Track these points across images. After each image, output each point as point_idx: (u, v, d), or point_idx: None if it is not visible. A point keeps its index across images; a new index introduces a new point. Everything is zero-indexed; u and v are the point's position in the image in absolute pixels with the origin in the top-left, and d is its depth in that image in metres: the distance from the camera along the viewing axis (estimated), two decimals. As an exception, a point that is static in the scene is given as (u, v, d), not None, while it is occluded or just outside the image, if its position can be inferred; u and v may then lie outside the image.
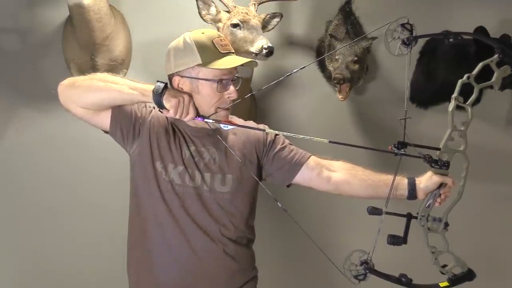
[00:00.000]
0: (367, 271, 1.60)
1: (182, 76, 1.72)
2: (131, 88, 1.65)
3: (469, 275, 1.64)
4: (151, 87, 1.62)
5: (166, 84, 1.62)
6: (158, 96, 1.60)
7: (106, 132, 1.78)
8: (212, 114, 1.71)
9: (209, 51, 1.69)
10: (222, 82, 1.70)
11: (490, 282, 2.58)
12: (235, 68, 1.73)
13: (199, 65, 1.68)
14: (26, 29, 2.73)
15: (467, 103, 1.61)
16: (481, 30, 2.41)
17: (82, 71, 2.54)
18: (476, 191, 2.58)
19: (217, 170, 1.78)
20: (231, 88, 1.72)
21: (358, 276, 1.62)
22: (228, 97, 1.72)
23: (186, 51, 1.70)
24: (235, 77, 1.75)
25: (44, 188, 2.82)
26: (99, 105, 1.70)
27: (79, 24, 2.40)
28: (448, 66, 2.77)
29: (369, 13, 2.82)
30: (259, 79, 2.65)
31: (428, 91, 2.89)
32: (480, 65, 1.59)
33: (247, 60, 1.73)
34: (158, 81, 1.62)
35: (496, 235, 3.03)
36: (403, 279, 1.63)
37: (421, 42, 2.90)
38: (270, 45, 2.31)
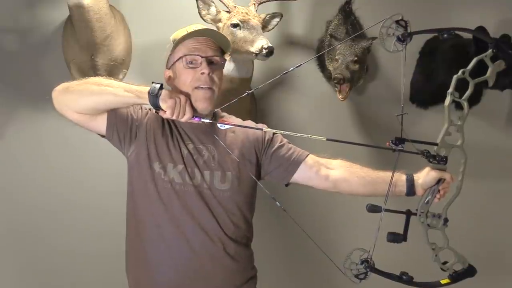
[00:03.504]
0: (368, 270, 1.60)
1: (168, 68, 1.81)
2: (126, 90, 1.65)
3: (470, 271, 1.63)
4: (147, 88, 1.62)
5: (161, 85, 1.62)
6: (154, 97, 1.60)
7: (102, 136, 1.78)
8: (207, 115, 1.74)
9: (181, 37, 1.76)
10: (190, 57, 1.74)
11: (491, 278, 2.57)
12: (207, 47, 1.76)
13: (172, 50, 1.77)
14: (26, 29, 2.73)
15: (463, 98, 1.61)
16: (480, 30, 2.41)
17: (82, 71, 2.54)
18: (477, 189, 2.58)
19: (216, 167, 1.78)
20: (203, 64, 1.74)
21: (359, 275, 1.61)
22: (201, 74, 1.73)
23: (168, 47, 1.80)
24: (209, 56, 1.76)
25: (44, 188, 2.81)
26: (94, 109, 1.70)
27: (79, 24, 2.40)
28: (448, 66, 2.77)
29: (369, 13, 2.83)
30: (259, 80, 2.65)
31: (428, 91, 2.90)
32: (474, 60, 1.59)
33: (202, 27, 1.80)
34: (153, 82, 1.62)
35: (497, 231, 3.03)
36: (404, 277, 1.62)
37: (421, 42, 2.92)
38: (270, 45, 2.31)
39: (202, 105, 1.73)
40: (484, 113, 2.88)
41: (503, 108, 3.01)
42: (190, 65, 1.74)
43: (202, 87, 1.73)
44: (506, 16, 2.92)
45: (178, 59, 1.76)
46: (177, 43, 1.76)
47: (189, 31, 1.77)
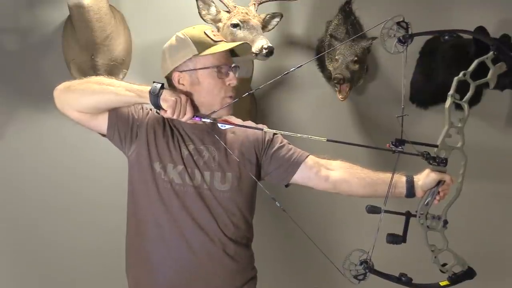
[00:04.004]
0: (367, 271, 1.60)
1: (181, 71, 1.74)
2: (127, 89, 1.65)
3: (469, 273, 1.63)
4: (148, 88, 1.62)
5: (162, 84, 1.62)
6: (155, 97, 1.60)
7: (103, 135, 1.78)
8: (212, 113, 1.72)
9: (203, 41, 1.72)
10: (220, 68, 1.72)
11: (490, 281, 2.57)
12: (230, 55, 1.77)
13: (195, 55, 1.70)
14: (26, 29, 2.73)
15: (464, 100, 1.61)
16: (480, 30, 2.41)
17: (82, 71, 2.54)
18: (476, 190, 2.57)
19: (216, 168, 1.77)
20: (231, 74, 1.74)
21: (358, 276, 1.61)
22: (229, 84, 1.74)
23: (180, 46, 1.73)
24: (233, 66, 1.77)
25: (44, 188, 2.81)
26: (95, 108, 1.70)
27: (79, 24, 2.40)
28: (448, 66, 2.77)
29: (369, 13, 2.83)
30: (259, 80, 2.65)
31: (428, 91, 2.90)
32: (475, 62, 1.59)
33: (241, 42, 1.80)
34: (154, 82, 1.62)
35: (496, 233, 3.03)
36: (403, 279, 1.62)
37: (421, 42, 2.92)
38: (270, 45, 2.31)
39: (225, 113, 1.76)
40: (484, 114, 2.88)
41: (503, 109, 3.02)
42: (220, 75, 1.74)
43: (230, 97, 1.75)
44: (506, 16, 2.92)
45: (205, 67, 1.73)
46: (203, 52, 1.71)
47: (204, 31, 1.74)
